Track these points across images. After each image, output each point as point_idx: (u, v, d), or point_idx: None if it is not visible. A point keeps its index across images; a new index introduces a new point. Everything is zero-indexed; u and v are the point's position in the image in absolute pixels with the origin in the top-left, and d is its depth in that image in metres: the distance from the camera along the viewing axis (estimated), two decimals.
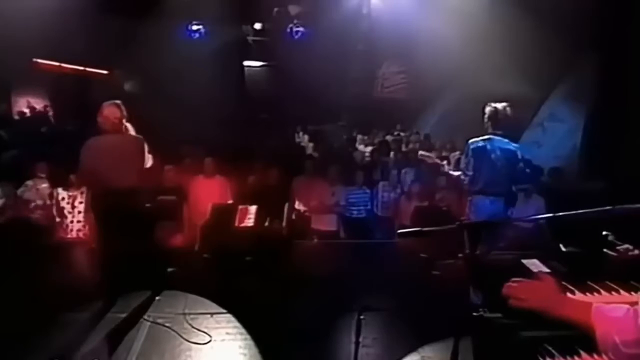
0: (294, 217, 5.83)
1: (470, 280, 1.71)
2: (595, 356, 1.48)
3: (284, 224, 5.50)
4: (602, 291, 1.81)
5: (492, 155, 4.22)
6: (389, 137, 11.03)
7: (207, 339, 3.43)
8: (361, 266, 4.88)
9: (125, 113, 4.10)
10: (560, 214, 1.59)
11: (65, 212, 5.61)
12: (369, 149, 9.72)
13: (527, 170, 4.57)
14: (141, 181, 4.07)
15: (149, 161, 4.17)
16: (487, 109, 4.32)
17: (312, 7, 12.29)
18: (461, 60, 9.73)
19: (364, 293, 3.67)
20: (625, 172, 5.81)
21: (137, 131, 4.21)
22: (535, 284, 1.47)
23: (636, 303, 1.23)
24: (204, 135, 8.60)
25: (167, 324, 3.60)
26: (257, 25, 13.45)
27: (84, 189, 5.45)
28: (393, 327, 3.52)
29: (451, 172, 6.63)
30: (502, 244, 4.26)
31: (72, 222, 5.61)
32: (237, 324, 3.64)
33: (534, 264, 2.04)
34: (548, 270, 1.98)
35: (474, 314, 1.70)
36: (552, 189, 6.02)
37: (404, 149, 9.21)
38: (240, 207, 5.30)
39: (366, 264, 4.97)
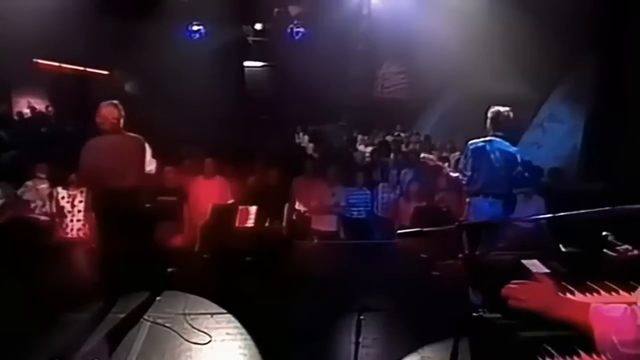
0: (294, 217, 5.83)
1: (469, 281, 1.71)
2: (595, 356, 1.48)
3: (284, 224, 5.50)
4: (601, 291, 1.81)
5: (492, 157, 4.23)
6: (389, 138, 11.04)
7: (207, 339, 3.43)
8: (361, 266, 4.88)
9: (123, 112, 4.10)
10: (560, 214, 1.60)
11: (65, 211, 5.61)
12: (369, 149, 9.73)
13: (526, 174, 4.56)
14: (141, 181, 4.08)
15: (152, 165, 4.17)
16: (490, 112, 4.33)
17: (313, 8, 12.30)
18: (461, 61, 9.74)
19: (363, 293, 3.66)
20: (625, 173, 5.81)
21: (137, 132, 4.21)
22: (533, 285, 1.48)
23: (634, 303, 1.23)
24: (204, 135, 8.60)
25: (167, 324, 3.60)
26: (258, 26, 13.47)
27: (84, 188, 5.46)
28: (393, 328, 3.52)
29: (451, 174, 6.62)
30: (502, 245, 4.27)
31: (72, 221, 5.60)
32: (237, 324, 3.64)
33: (534, 265, 2.04)
34: (548, 271, 1.98)
35: (474, 314, 1.70)
36: (552, 189, 6.01)
37: (404, 149, 9.21)
38: (240, 207, 5.30)
39: (366, 264, 4.97)
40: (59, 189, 5.66)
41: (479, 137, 4.37)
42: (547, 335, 1.55)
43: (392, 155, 8.47)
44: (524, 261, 2.07)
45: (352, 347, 2.64)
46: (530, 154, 6.88)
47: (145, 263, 4.03)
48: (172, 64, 10.48)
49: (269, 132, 11.04)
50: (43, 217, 5.66)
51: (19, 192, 5.73)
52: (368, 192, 6.52)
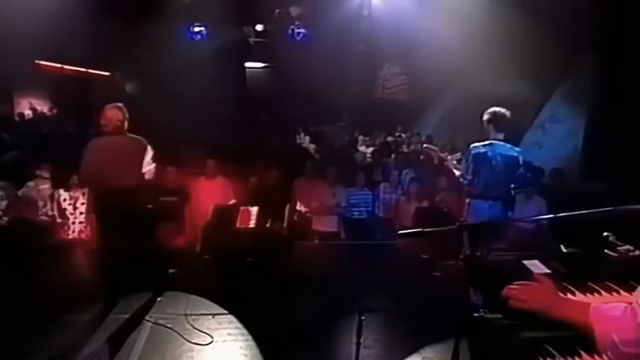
0: (295, 218, 5.83)
1: (470, 281, 1.72)
2: (596, 357, 1.48)
3: (285, 225, 5.50)
4: (602, 292, 1.80)
5: (493, 162, 4.21)
6: (389, 139, 11.04)
7: (209, 339, 3.43)
8: (362, 267, 4.88)
9: (127, 115, 4.12)
10: (561, 214, 1.60)
11: (67, 212, 5.63)
12: (370, 150, 9.73)
13: (528, 174, 4.57)
14: (142, 182, 4.08)
15: (150, 167, 4.17)
16: (486, 115, 4.33)
17: (313, 9, 12.31)
18: (461, 62, 9.73)
19: (364, 294, 3.66)
20: (625, 173, 5.81)
21: (138, 133, 4.22)
22: (534, 286, 1.48)
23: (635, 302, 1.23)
24: (206, 136, 8.61)
25: (168, 325, 3.61)
26: (259, 27, 13.49)
27: (85, 189, 5.47)
28: (394, 328, 3.52)
29: (454, 170, 6.62)
30: (503, 245, 4.26)
31: (73, 222, 5.62)
32: (239, 325, 3.64)
33: (535, 265, 2.04)
34: (549, 271, 1.98)
35: (475, 314, 1.70)
36: (553, 190, 6.01)
37: (405, 150, 9.21)
38: (241, 208, 5.30)
39: (367, 264, 4.98)
40: (61, 191, 5.68)
41: (479, 138, 4.35)
42: (548, 336, 1.55)
43: (393, 156, 8.48)
44: (524, 262, 2.06)
45: (353, 347, 2.64)
46: (531, 154, 6.87)
47: (146, 263, 4.03)
48: (174, 65, 10.50)
49: (270, 133, 11.05)
50: (44, 218, 5.67)
51: (19, 192, 5.75)
52: (369, 192, 6.52)
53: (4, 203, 5.54)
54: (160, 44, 10.58)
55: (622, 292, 1.79)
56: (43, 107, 11.91)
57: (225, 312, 3.83)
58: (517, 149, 4.38)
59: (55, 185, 5.78)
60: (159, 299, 4.02)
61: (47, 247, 5.29)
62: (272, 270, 4.64)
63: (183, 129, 8.78)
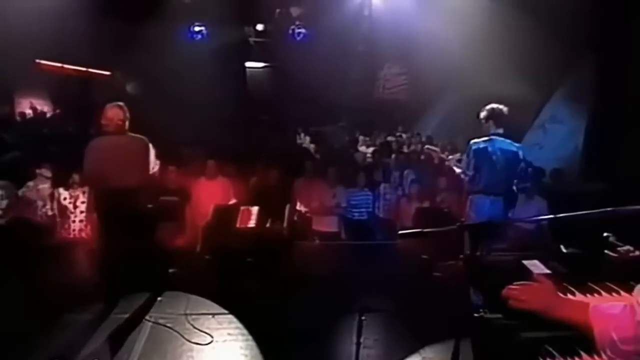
0: (295, 218, 5.84)
1: (470, 281, 1.72)
2: (596, 357, 1.48)
3: (285, 225, 5.50)
4: (602, 292, 1.80)
5: (494, 157, 4.26)
6: (390, 138, 11.04)
7: (209, 339, 3.44)
8: (362, 267, 4.88)
9: (128, 114, 4.12)
10: (561, 215, 1.60)
11: (68, 212, 5.63)
12: (371, 150, 9.73)
13: (529, 169, 4.61)
14: (144, 181, 4.08)
15: (155, 166, 4.19)
16: (484, 112, 4.36)
17: (314, 9, 12.32)
18: (462, 62, 9.74)
19: (364, 294, 3.66)
20: (626, 173, 5.81)
21: (139, 133, 4.22)
22: (534, 286, 1.48)
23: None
24: (206, 136, 8.62)
25: (168, 325, 3.61)
26: (259, 27, 13.49)
27: (86, 188, 5.48)
28: (394, 328, 3.53)
29: (454, 168, 6.63)
30: (503, 245, 4.27)
31: (74, 222, 5.63)
32: (239, 325, 3.64)
33: (535, 265, 2.04)
34: (549, 271, 1.98)
35: (475, 315, 1.70)
36: (554, 190, 6.02)
37: (405, 150, 9.21)
38: (241, 208, 5.31)
39: (367, 265, 4.98)
40: (61, 190, 5.68)
41: (480, 137, 4.39)
42: (548, 336, 1.55)
43: (393, 156, 8.48)
44: (524, 262, 2.06)
45: (353, 347, 2.64)
46: (532, 155, 6.88)
47: (146, 263, 4.04)
48: (174, 65, 10.51)
49: (271, 133, 11.05)
50: (44, 218, 5.67)
51: (20, 192, 5.75)
52: (369, 193, 6.52)
53: (4, 203, 5.54)
54: (161, 44, 10.59)
55: (622, 292, 1.79)
56: (44, 107, 11.91)
57: (226, 312, 3.83)
58: (516, 144, 4.42)
59: (56, 185, 5.79)
60: (159, 298, 4.02)
61: (48, 246, 5.30)
62: (273, 270, 4.64)
63: (183, 129, 8.79)
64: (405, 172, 7.06)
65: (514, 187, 4.43)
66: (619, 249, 2.10)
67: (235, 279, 4.49)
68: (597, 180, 6.16)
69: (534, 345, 1.59)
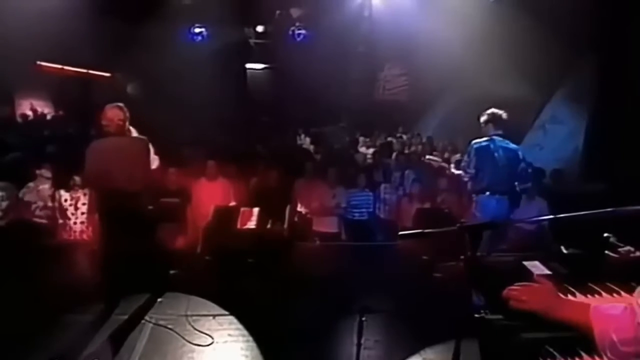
0: (295, 219, 5.84)
1: (471, 282, 1.72)
2: (596, 357, 1.48)
3: (285, 226, 5.51)
4: (603, 293, 1.80)
5: (495, 155, 4.35)
6: (390, 139, 11.03)
7: (209, 340, 3.44)
8: (362, 268, 4.88)
9: (128, 115, 4.12)
10: (562, 215, 1.60)
11: (68, 213, 5.63)
12: (371, 150, 9.73)
13: (529, 170, 4.67)
14: (146, 182, 4.09)
15: (155, 162, 4.19)
16: (484, 116, 4.50)
17: (314, 10, 12.33)
18: (462, 63, 9.74)
19: (365, 295, 3.65)
20: (625, 173, 5.80)
21: (140, 134, 4.23)
22: (534, 287, 1.48)
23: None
24: (206, 137, 8.62)
25: (169, 326, 3.61)
26: (259, 28, 13.51)
27: (86, 190, 5.48)
28: (394, 329, 3.52)
29: (453, 171, 6.63)
30: (504, 246, 4.29)
31: (74, 223, 5.63)
32: (239, 326, 3.64)
33: (535, 266, 2.04)
34: (549, 272, 1.98)
35: (476, 315, 1.70)
36: (554, 191, 6.02)
37: (406, 151, 9.21)
38: (242, 209, 5.31)
39: (367, 265, 4.98)
40: (62, 192, 5.68)
41: (481, 138, 4.45)
42: (549, 337, 1.55)
43: (394, 156, 8.48)
44: (525, 263, 2.07)
45: (354, 348, 2.64)
46: (532, 155, 6.87)
47: (147, 264, 4.03)
48: (174, 66, 10.52)
49: (271, 134, 11.05)
50: (45, 219, 5.68)
51: (21, 193, 5.75)
52: (370, 193, 6.52)
53: (5, 204, 5.54)
54: (161, 45, 10.60)
55: (622, 293, 1.79)
56: (44, 108, 11.93)
57: (226, 313, 3.83)
58: (514, 145, 4.52)
59: (57, 186, 5.79)
60: (159, 299, 4.02)
61: (48, 247, 5.30)
62: (273, 271, 4.64)
63: (184, 130, 8.79)
64: (406, 172, 7.06)
65: (516, 187, 4.48)
66: (619, 249, 2.10)
67: (236, 279, 4.48)
68: (597, 180, 6.15)
69: (534, 346, 1.59)
